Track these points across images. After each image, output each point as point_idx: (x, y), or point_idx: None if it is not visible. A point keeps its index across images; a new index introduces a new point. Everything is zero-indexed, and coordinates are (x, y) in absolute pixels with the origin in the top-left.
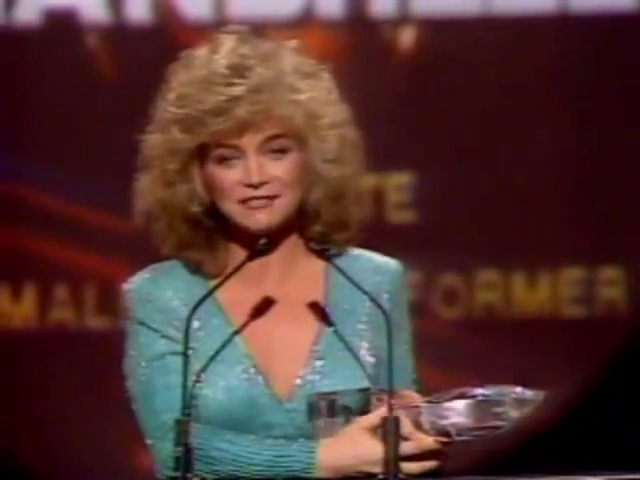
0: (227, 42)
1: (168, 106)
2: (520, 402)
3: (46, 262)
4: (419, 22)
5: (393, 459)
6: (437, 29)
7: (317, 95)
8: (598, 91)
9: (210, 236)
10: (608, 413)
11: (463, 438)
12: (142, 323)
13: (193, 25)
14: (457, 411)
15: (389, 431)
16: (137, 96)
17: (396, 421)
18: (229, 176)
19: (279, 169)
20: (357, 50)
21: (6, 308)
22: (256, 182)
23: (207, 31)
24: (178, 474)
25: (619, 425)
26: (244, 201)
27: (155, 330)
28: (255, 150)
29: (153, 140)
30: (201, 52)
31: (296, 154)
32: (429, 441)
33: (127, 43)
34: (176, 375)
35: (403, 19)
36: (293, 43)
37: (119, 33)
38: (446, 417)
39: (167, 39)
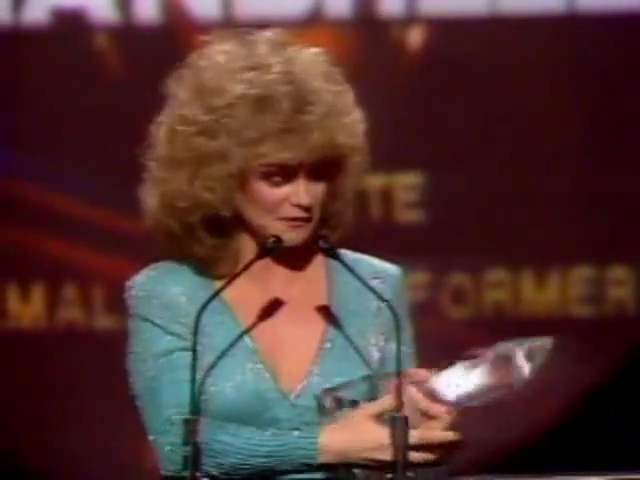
0: (273, 58)
1: (214, 112)
2: (531, 353)
3: (54, 262)
4: (427, 22)
5: (402, 459)
6: (445, 29)
7: (355, 112)
8: (608, 90)
9: (223, 234)
10: (617, 412)
11: (477, 402)
12: (146, 320)
13: (201, 25)
14: (469, 376)
15: (398, 431)
16: (146, 96)
17: (405, 420)
18: (275, 194)
19: (318, 191)
20: (365, 50)
21: (15, 308)
22: (306, 204)
23: (215, 30)
24: (186, 473)
25: (629, 424)
26: (286, 219)
27: (160, 326)
28: (306, 173)
29: (194, 142)
30: (238, 56)
31: (330, 174)
32: (436, 435)
33: (135, 43)
34: (182, 371)
35: (411, 19)
36: (319, 52)
37: (127, 33)
38: (458, 384)
39: (175, 39)
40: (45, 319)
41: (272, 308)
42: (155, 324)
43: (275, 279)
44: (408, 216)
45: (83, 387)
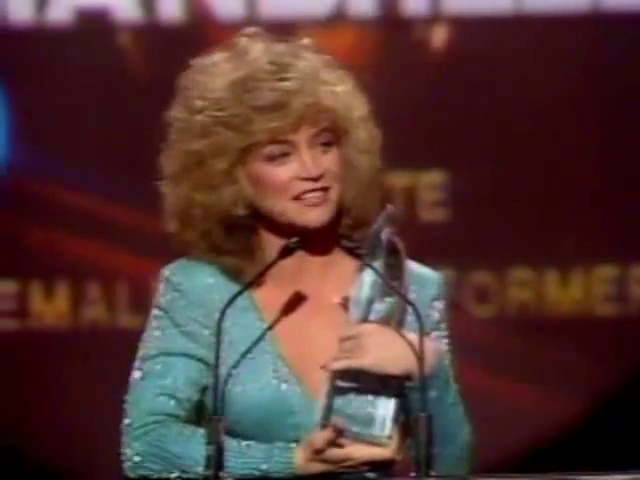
0: (254, 43)
1: (202, 112)
2: (388, 219)
3: (79, 261)
4: (451, 21)
5: (424, 459)
6: (469, 28)
7: (347, 88)
8: (632, 89)
9: (246, 241)
10: None
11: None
12: (165, 311)
13: (225, 24)
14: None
15: (421, 430)
16: (169, 95)
17: (429, 420)
18: (282, 173)
19: (328, 161)
20: (389, 49)
21: (39, 307)
22: (315, 175)
23: (239, 30)
24: (209, 473)
25: None
26: (299, 197)
27: (175, 322)
28: (307, 144)
29: (189, 147)
30: (220, 58)
31: (337, 147)
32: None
33: (159, 42)
34: (172, 377)
35: (435, 18)
36: (307, 41)
37: (151, 32)
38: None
39: (199, 38)
40: (69, 318)
41: (302, 310)
42: (170, 318)
43: (308, 279)
44: (432, 215)
45: (107, 386)
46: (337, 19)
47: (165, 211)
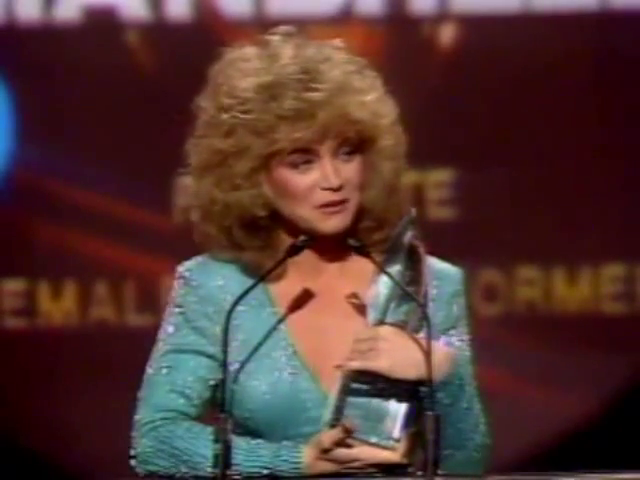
0: (285, 46)
1: (228, 111)
2: (411, 223)
3: (86, 260)
4: (459, 19)
5: (432, 459)
6: (477, 26)
7: (377, 94)
8: (639, 88)
9: (266, 239)
10: None
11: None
12: (178, 307)
13: (233, 22)
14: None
15: (428, 429)
16: (177, 93)
17: (437, 419)
18: (304, 181)
19: (350, 171)
20: (397, 47)
21: (47, 305)
22: (336, 185)
23: (247, 28)
24: (217, 471)
25: None
26: (320, 206)
27: (187, 318)
28: (330, 154)
29: (215, 144)
30: (252, 54)
31: (360, 154)
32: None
33: (167, 40)
34: (182, 374)
35: (443, 16)
36: (338, 42)
37: (159, 30)
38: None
39: (207, 36)
40: (77, 317)
41: (318, 307)
42: (183, 314)
43: (325, 275)
44: (439, 213)
45: (114, 385)
46: (345, 18)
47: (181, 203)
